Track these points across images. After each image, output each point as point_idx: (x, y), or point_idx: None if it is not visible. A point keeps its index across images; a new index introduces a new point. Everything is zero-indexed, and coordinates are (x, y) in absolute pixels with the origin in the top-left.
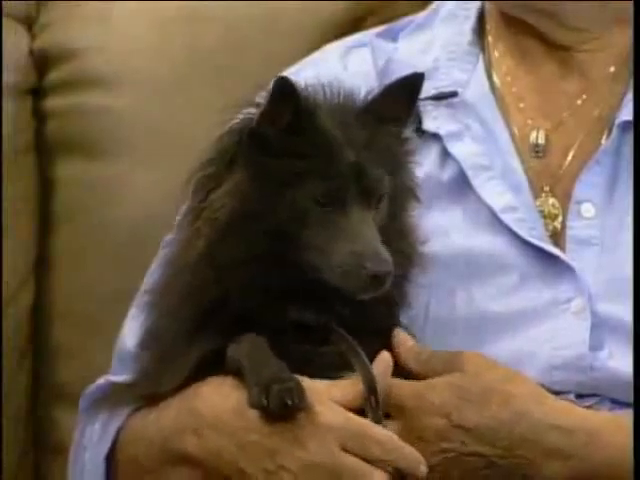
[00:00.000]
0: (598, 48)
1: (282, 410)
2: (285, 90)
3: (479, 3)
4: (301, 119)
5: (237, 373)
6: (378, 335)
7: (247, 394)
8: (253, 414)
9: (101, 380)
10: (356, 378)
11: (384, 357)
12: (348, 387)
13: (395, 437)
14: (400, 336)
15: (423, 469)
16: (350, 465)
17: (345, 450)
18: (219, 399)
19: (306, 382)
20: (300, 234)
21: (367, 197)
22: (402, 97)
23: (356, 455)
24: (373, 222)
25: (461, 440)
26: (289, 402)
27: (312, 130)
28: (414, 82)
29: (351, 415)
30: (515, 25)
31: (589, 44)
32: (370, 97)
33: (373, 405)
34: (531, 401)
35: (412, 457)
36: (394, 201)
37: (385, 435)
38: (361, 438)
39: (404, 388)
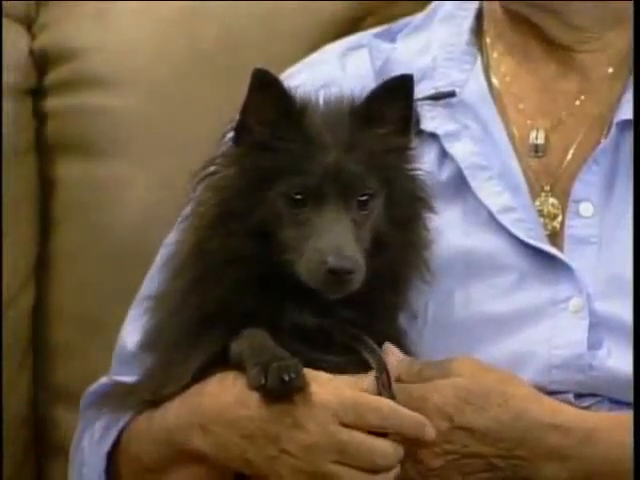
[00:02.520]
0: (598, 48)
1: (280, 387)
2: (264, 81)
3: (477, 4)
4: (285, 116)
5: (240, 367)
6: (378, 341)
7: (247, 377)
8: (254, 401)
9: (104, 379)
10: (363, 376)
11: (390, 347)
12: (355, 381)
13: (391, 403)
14: (390, 350)
15: (429, 430)
16: (350, 439)
17: (343, 425)
18: (222, 393)
19: (308, 372)
20: (277, 234)
21: (345, 196)
22: (391, 99)
23: (355, 427)
24: (350, 221)
25: (463, 442)
26: (286, 377)
27: (295, 127)
28: (403, 84)
29: (345, 390)
30: (516, 24)
31: (590, 44)
32: (360, 99)
33: (385, 385)
34: (529, 401)
35: (412, 420)
36: (394, 207)
37: (380, 402)
38: (356, 409)
39: (406, 391)
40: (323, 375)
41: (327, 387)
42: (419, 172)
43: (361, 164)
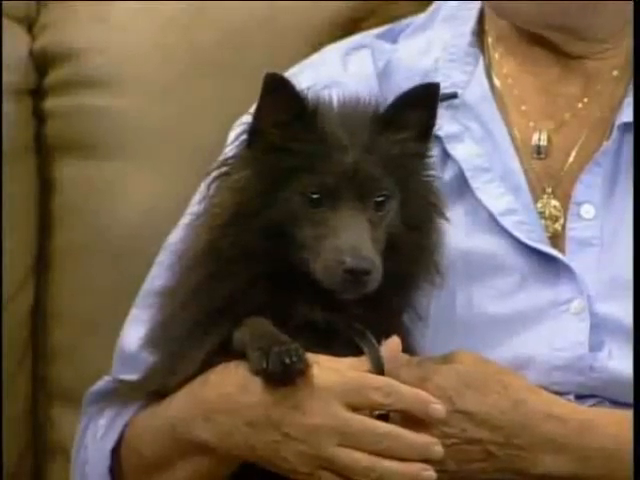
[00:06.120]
0: (610, 55)
1: (281, 371)
2: (275, 84)
3: (479, 4)
4: (299, 118)
5: (243, 355)
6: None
7: (248, 362)
8: (256, 387)
9: (107, 378)
10: (362, 358)
11: (393, 340)
12: (354, 364)
13: (394, 381)
14: (389, 345)
15: (436, 407)
16: (353, 421)
17: (347, 406)
18: (224, 382)
19: (309, 355)
20: (294, 233)
21: (362, 197)
22: (415, 106)
23: (358, 407)
24: (367, 222)
25: (461, 426)
26: (287, 361)
27: (310, 128)
28: (430, 92)
29: (347, 371)
30: (522, 33)
31: (603, 53)
32: (382, 104)
33: None
34: (527, 391)
35: (415, 397)
36: (409, 210)
37: (382, 380)
38: (359, 389)
39: (410, 371)
40: (324, 357)
41: (329, 369)
42: (433, 178)
43: (379, 166)
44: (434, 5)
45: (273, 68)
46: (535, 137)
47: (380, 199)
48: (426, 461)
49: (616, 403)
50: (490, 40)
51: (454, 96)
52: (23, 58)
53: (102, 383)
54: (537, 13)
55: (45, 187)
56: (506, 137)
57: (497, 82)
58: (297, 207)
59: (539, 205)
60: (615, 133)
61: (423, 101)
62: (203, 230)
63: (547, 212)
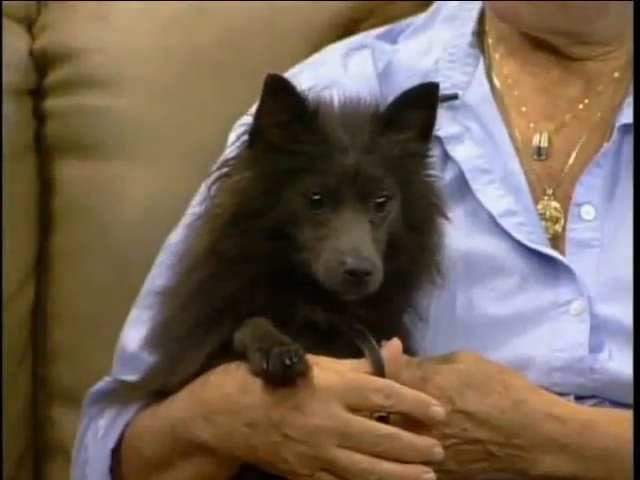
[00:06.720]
0: (612, 57)
1: (282, 372)
2: (276, 86)
3: (480, 4)
4: (300, 119)
5: (243, 356)
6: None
7: (249, 362)
8: (257, 388)
9: (108, 378)
10: (363, 359)
11: (394, 342)
12: (354, 365)
13: (394, 383)
14: (390, 347)
15: (437, 409)
16: (353, 422)
17: (348, 407)
18: (225, 383)
19: (309, 357)
20: (295, 234)
21: (363, 197)
22: (415, 106)
23: (358, 408)
24: (368, 223)
25: (462, 426)
26: (287, 362)
27: (311, 129)
28: (429, 92)
29: (348, 372)
30: (522, 35)
31: (605, 55)
32: (381, 104)
33: None
34: (527, 391)
35: (415, 399)
36: (410, 210)
37: (383, 382)
38: (360, 391)
39: (410, 372)
40: (325, 359)
41: (329, 370)
42: (434, 178)
43: (379, 166)
44: (434, 5)
45: (273, 68)
46: (535, 138)
47: (381, 200)
48: (426, 463)
49: (616, 404)
50: (490, 41)
51: (455, 97)
52: (23, 58)
53: (102, 383)
54: (539, 17)
55: (45, 187)
56: (506, 138)
57: (497, 83)
58: (298, 208)
59: (539, 206)
60: (615, 134)
61: (423, 101)
62: (204, 231)
63: (547, 213)
